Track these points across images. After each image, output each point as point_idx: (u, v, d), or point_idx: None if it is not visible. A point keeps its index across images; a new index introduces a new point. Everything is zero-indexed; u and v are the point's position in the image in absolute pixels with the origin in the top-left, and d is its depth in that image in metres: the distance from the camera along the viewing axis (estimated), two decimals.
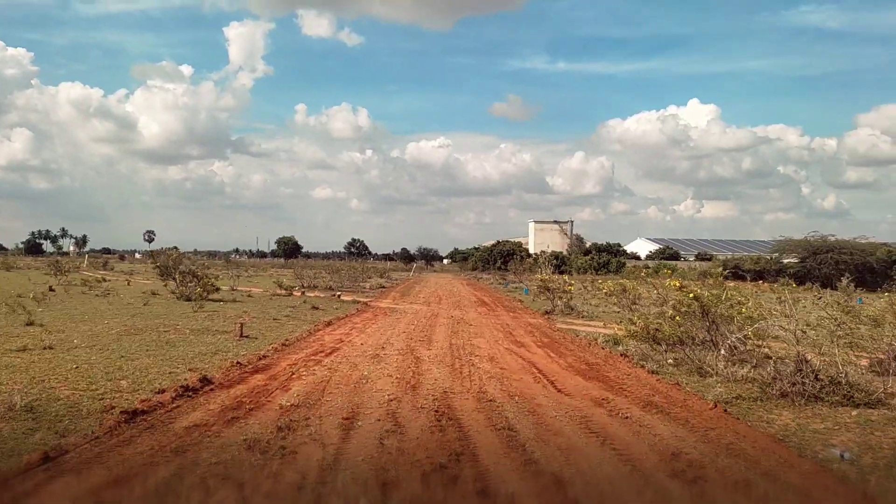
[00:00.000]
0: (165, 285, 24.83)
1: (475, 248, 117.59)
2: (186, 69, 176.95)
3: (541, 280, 26.28)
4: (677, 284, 11.18)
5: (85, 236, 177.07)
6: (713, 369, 10.48)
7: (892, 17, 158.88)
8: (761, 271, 57.82)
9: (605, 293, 31.88)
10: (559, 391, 9.65)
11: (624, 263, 77.97)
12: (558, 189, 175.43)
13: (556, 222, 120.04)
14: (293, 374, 10.37)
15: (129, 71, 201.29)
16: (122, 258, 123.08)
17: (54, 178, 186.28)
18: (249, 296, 28.21)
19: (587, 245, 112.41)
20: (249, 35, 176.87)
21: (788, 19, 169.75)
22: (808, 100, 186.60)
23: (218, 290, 25.26)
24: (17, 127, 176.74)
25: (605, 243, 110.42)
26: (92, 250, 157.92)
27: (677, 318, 10.86)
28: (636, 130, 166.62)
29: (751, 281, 53.41)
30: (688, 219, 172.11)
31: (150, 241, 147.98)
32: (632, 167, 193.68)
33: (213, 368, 10.56)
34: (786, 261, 61.31)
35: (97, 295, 25.84)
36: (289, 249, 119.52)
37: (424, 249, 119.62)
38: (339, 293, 29.45)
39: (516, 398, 9.01)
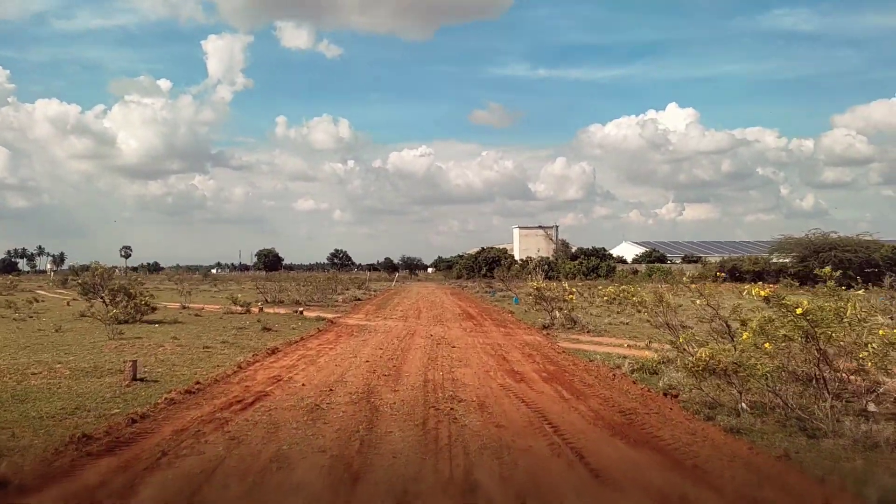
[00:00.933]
0: (91, 306, 20.58)
1: (459, 256, 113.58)
2: (164, 83, 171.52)
3: (535, 288, 22.30)
4: (763, 293, 7.28)
5: (62, 254, 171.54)
6: (826, 424, 6.55)
7: (864, 20, 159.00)
8: (760, 272, 54.31)
9: (607, 300, 28.10)
10: (594, 473, 5.79)
11: (614, 267, 74.36)
12: (541, 195, 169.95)
13: (540, 227, 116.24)
14: (161, 455, 6.32)
15: (107, 87, 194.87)
16: None
17: (32, 195, 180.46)
18: (198, 315, 24.02)
19: (573, 250, 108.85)
20: (228, 48, 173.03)
21: (763, 23, 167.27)
22: (784, 102, 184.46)
23: (154, 309, 21.08)
24: None
25: (590, 247, 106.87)
26: (71, 268, 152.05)
27: (767, 344, 6.94)
28: (616, 135, 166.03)
29: (750, 283, 49.91)
30: (669, 222, 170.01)
31: (127, 256, 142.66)
32: (613, 171, 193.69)
33: (41, 448, 6.51)
34: (784, 260, 57.88)
35: (14, 319, 21.60)
36: (269, 262, 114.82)
37: (408, 258, 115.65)
38: (301, 309, 25.31)
39: (529, 500, 5.05)
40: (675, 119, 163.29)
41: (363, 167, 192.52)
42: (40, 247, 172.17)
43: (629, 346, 14.24)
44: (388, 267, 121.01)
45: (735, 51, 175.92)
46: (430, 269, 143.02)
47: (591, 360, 12.81)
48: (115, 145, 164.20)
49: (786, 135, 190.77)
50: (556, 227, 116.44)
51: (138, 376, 10.11)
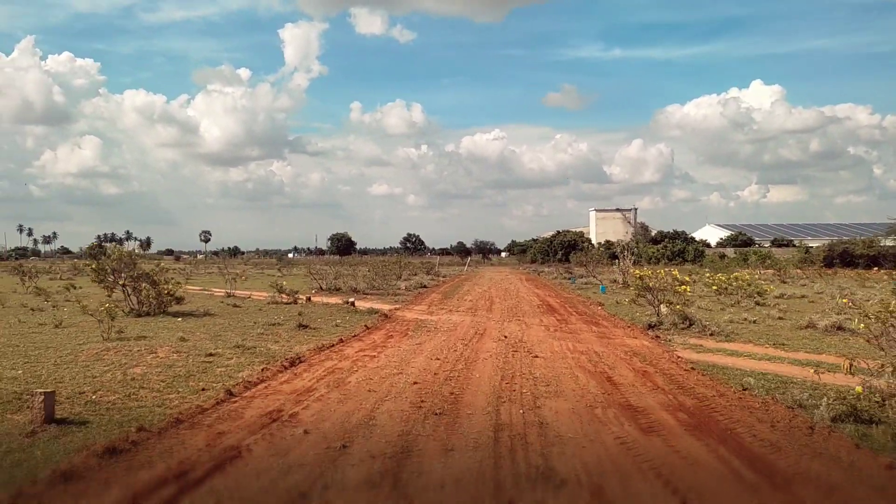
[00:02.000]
0: (109, 296, 17.49)
1: (533, 240, 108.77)
2: (244, 72, 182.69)
3: (638, 278, 17.85)
4: None
5: (149, 238, 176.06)
6: None
7: None
8: (875, 257, 47.68)
9: (715, 290, 23.40)
10: None
11: (702, 251, 68.12)
12: (616, 178, 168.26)
13: (618, 210, 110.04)
14: None
15: (190, 76, 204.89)
16: (177, 259, 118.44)
17: (123, 183, 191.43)
18: (237, 305, 20.73)
19: (652, 233, 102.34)
20: (304, 36, 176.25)
21: None
22: (877, 77, 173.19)
23: (179, 300, 17.83)
24: (87, 135, 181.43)
25: (671, 231, 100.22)
26: (158, 252, 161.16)
27: None
28: (695, 115, 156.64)
29: (864, 269, 43.58)
30: (752, 204, 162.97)
31: (207, 240, 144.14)
32: (692, 153, 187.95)
33: None
34: None
35: (33, 310, 18.85)
36: (342, 246, 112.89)
37: (481, 242, 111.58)
38: (353, 299, 21.69)
39: None
40: (760, 97, 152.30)
41: (436, 152, 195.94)
42: (128, 232, 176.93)
43: (820, 371, 9.74)
44: (461, 251, 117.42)
45: (824, 24, 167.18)
46: (503, 254, 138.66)
47: (745, 389, 8.47)
48: (198, 133, 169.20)
49: (879, 111, 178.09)
50: (635, 209, 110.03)
51: (55, 416, 6.45)
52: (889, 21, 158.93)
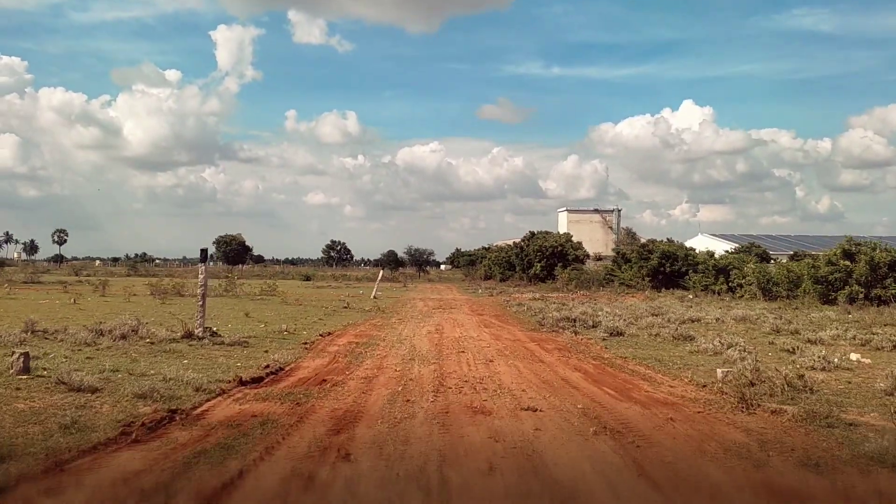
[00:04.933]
0: None
1: (485, 249, 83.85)
2: (173, 73, 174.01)
3: None
4: None
5: (33, 241, 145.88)
6: None
7: (883, 20, 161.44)
8: None
9: None
10: None
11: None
12: (552, 193, 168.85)
13: (597, 211, 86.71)
14: None
15: (112, 76, 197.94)
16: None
17: (44, 185, 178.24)
18: None
19: (641, 241, 78.21)
20: (237, 40, 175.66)
21: (781, 23, 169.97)
22: (801, 103, 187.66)
23: None
24: (5, 133, 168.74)
25: (665, 240, 76.37)
26: (75, 258, 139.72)
27: None
28: (628, 134, 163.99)
29: None
30: (683, 223, 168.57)
31: (62, 242, 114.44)
32: (625, 171, 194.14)
33: None
34: None
35: None
36: (231, 252, 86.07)
37: (415, 251, 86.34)
38: None
39: None
40: (690, 118, 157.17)
41: (373, 162, 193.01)
42: (7, 233, 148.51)
43: None
44: (392, 262, 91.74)
45: (752, 50, 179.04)
46: (443, 266, 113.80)
47: None
48: (121, 136, 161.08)
49: (802, 136, 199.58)
50: (619, 210, 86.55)
51: None
52: (811, 49, 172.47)
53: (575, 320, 17.97)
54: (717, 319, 19.32)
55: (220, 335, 13.51)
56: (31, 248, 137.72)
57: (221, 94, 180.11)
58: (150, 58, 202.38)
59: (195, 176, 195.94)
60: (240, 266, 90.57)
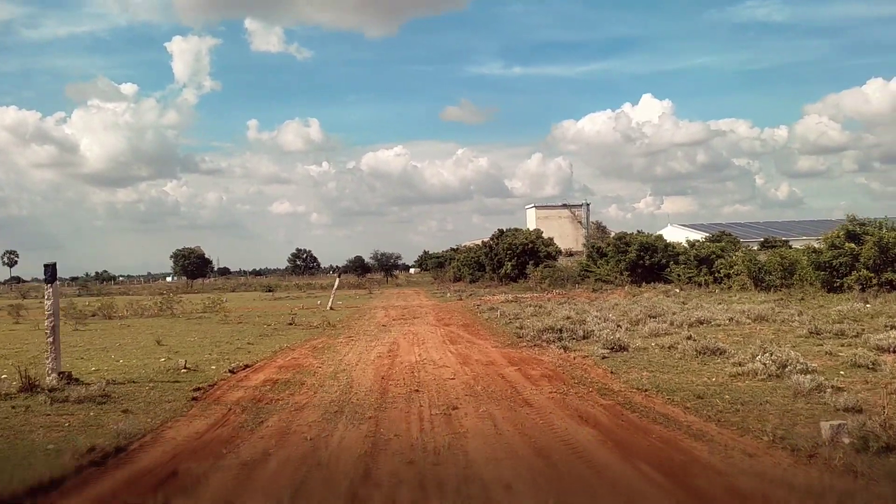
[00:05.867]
0: None
1: (453, 250, 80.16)
2: (130, 87, 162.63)
3: None
4: None
5: None
6: None
7: (834, 9, 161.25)
8: None
9: None
10: None
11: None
12: (518, 192, 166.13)
13: (565, 206, 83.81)
14: None
15: (66, 92, 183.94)
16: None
17: None
18: None
19: (611, 235, 75.29)
20: (194, 51, 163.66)
21: (735, 15, 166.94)
22: (757, 92, 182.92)
23: None
24: None
25: (635, 232, 73.55)
26: (36, 280, 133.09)
27: None
28: (590, 130, 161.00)
29: None
30: (648, 216, 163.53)
31: (12, 264, 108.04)
32: (589, 167, 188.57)
33: None
34: None
35: None
36: (190, 266, 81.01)
37: (382, 255, 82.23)
38: None
39: None
40: (650, 112, 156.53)
41: (338, 169, 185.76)
42: None
43: None
44: (358, 267, 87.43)
45: (708, 43, 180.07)
46: (412, 270, 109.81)
47: None
48: (78, 152, 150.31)
49: (759, 125, 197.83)
50: (587, 204, 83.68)
51: None
52: (763, 40, 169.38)
53: (561, 330, 14.27)
54: (731, 320, 15.80)
55: (81, 382, 9.58)
56: None
57: (180, 106, 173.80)
58: (105, 72, 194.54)
59: (156, 190, 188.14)
60: (200, 280, 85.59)
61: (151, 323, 24.13)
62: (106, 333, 19.53)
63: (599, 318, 17.00)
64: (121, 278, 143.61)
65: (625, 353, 11.64)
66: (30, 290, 75.65)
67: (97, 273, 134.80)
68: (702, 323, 15.68)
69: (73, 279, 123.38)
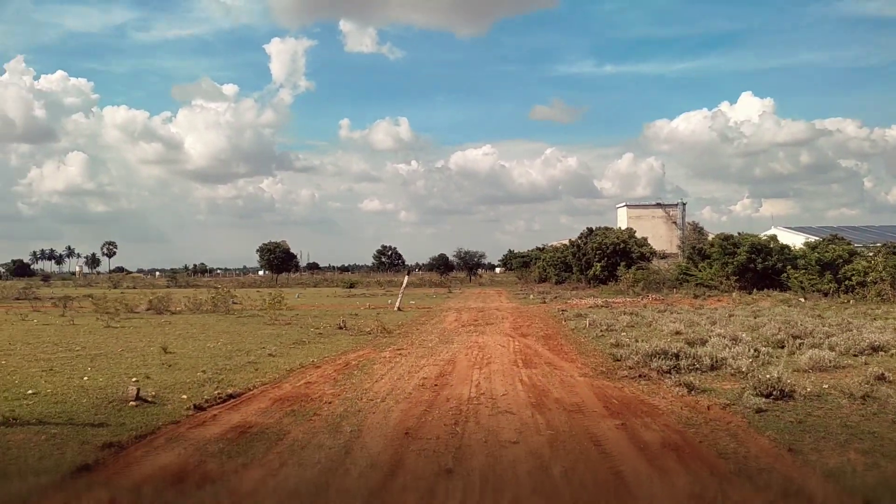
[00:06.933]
0: None
1: (539, 249, 75.60)
2: (231, 88, 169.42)
3: None
4: None
5: (94, 255, 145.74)
6: None
7: None
8: None
9: None
10: None
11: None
12: (607, 193, 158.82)
13: (659, 206, 77.31)
14: None
15: (172, 93, 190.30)
16: (45, 279, 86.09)
17: (111, 201, 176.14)
18: None
19: (709, 237, 68.65)
20: (290, 52, 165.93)
21: (843, 9, 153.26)
22: (866, 90, 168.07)
23: None
24: (73, 151, 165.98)
25: (736, 234, 66.66)
26: (141, 271, 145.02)
27: None
28: (685, 129, 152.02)
29: None
30: (745, 218, 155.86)
31: (111, 255, 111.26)
32: (682, 167, 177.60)
33: None
34: None
35: None
36: (276, 260, 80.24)
37: (465, 254, 78.67)
38: None
39: None
40: (749, 110, 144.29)
41: (427, 167, 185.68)
42: (69, 247, 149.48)
43: None
44: (441, 266, 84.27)
45: (813, 38, 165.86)
46: (497, 269, 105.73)
47: None
48: (182, 149, 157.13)
49: (868, 125, 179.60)
50: (683, 204, 77.09)
51: None
52: (876, 35, 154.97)
53: (678, 356, 10.03)
54: None
55: None
56: (93, 261, 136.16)
57: (276, 106, 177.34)
58: (208, 73, 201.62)
59: (253, 187, 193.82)
60: (286, 274, 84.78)
61: (197, 320, 21.34)
62: (130, 333, 16.69)
63: (723, 337, 12.55)
64: (218, 271, 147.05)
65: (790, 401, 7.35)
66: (121, 280, 76.94)
67: (195, 266, 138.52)
68: (876, 349, 11.04)
69: (174, 271, 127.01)
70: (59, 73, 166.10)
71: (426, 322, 21.06)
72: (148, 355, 12.21)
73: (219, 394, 8.34)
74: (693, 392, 8.11)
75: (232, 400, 8.14)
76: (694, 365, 9.62)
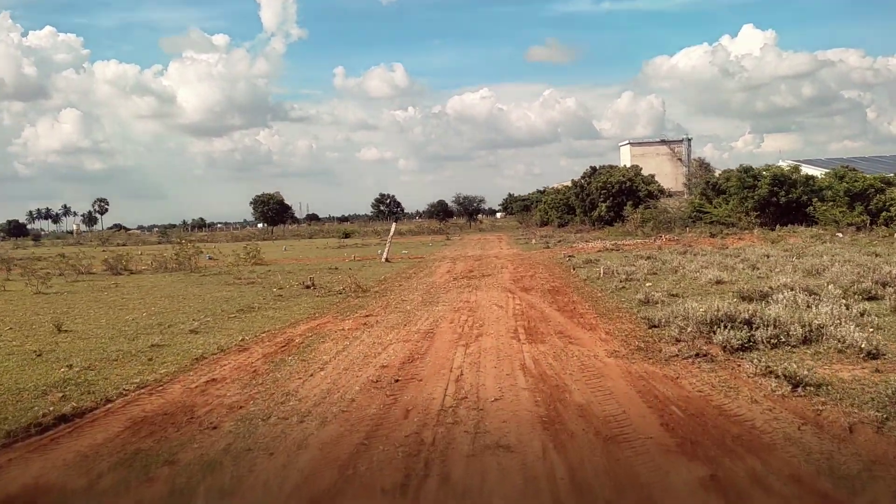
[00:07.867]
0: None
1: (540, 192, 72.04)
2: (221, 38, 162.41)
3: None
4: None
5: (90, 213, 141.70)
6: None
7: None
8: None
9: None
10: None
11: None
12: (607, 133, 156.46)
13: (664, 143, 73.20)
14: None
15: (161, 45, 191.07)
16: (35, 239, 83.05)
17: (107, 158, 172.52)
18: None
19: (716, 173, 64.98)
20: None
21: None
22: (869, 19, 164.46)
23: None
24: (67, 108, 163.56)
25: (740, 167, 62.94)
26: (141, 227, 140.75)
27: None
28: (685, 65, 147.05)
29: None
30: (747, 154, 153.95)
31: (103, 212, 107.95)
32: (684, 104, 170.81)
33: None
34: None
35: None
36: (269, 212, 76.90)
37: (465, 199, 75.14)
38: None
39: None
40: (751, 43, 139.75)
41: (424, 113, 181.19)
42: (66, 206, 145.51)
43: None
44: (441, 212, 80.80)
45: None
46: (498, 214, 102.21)
47: None
48: (176, 103, 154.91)
49: (871, 54, 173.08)
50: (689, 139, 72.86)
51: None
52: None
53: (749, 322, 6.86)
54: None
55: None
56: (90, 219, 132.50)
57: (269, 55, 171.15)
58: (198, 24, 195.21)
59: (250, 139, 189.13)
60: (281, 226, 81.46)
61: (151, 281, 18.23)
62: (54, 301, 13.58)
63: (790, 289, 9.33)
64: (219, 226, 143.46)
65: None
66: (109, 237, 73.60)
67: (193, 221, 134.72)
68: None
69: (172, 226, 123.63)
70: (48, 28, 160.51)
71: (413, 275, 17.88)
72: (32, 336, 9.12)
73: (53, 412, 5.22)
74: (801, 389, 4.96)
75: (64, 425, 5.02)
76: (778, 336, 6.44)
